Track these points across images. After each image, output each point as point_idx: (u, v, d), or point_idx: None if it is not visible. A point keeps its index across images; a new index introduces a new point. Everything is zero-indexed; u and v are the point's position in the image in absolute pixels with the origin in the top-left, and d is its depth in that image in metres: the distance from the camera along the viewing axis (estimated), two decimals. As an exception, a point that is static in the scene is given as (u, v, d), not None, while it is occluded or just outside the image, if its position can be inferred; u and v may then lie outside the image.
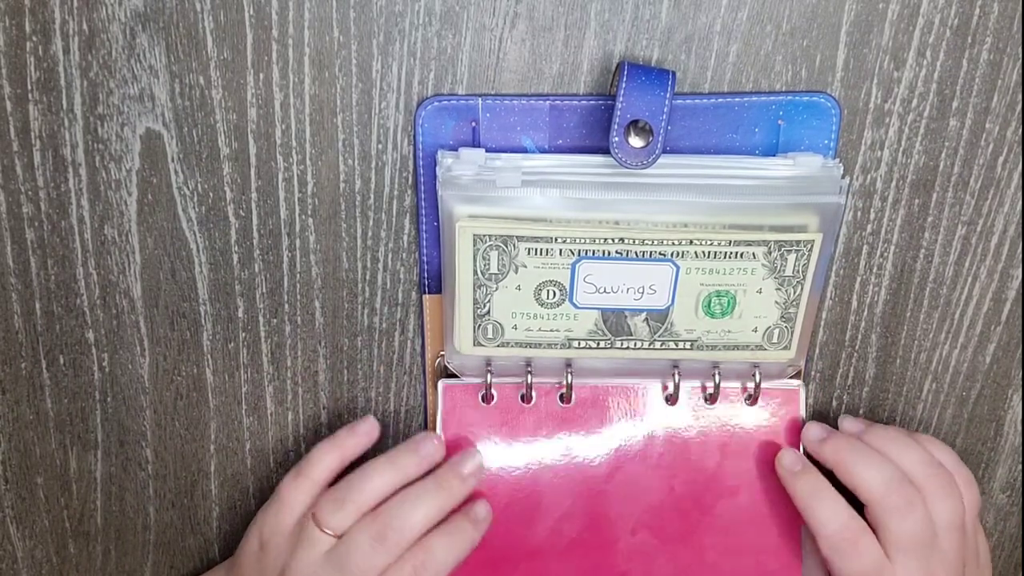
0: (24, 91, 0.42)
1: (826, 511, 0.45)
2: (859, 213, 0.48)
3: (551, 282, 0.44)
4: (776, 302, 0.45)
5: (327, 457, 0.46)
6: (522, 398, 0.48)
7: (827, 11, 0.44)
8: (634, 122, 0.42)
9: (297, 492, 0.45)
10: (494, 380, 0.47)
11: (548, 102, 0.44)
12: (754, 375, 0.48)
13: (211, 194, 0.45)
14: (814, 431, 0.48)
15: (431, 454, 0.46)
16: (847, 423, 0.48)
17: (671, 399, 0.49)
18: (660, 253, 0.43)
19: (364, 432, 0.47)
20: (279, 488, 0.46)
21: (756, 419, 0.49)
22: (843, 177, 0.44)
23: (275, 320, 0.48)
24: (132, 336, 0.48)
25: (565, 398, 0.48)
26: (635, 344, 0.46)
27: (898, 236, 0.48)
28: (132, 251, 0.46)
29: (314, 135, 0.44)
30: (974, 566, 0.47)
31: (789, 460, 0.47)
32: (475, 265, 0.44)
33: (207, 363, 0.49)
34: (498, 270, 0.44)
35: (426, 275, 0.47)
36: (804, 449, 0.48)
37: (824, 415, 0.52)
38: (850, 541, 0.44)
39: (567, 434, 0.49)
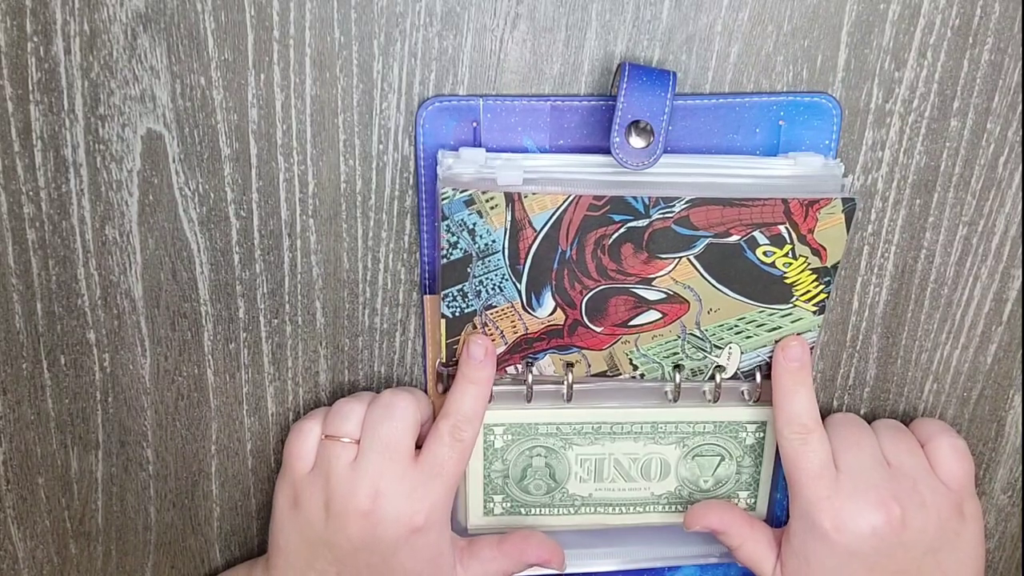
0: (25, 91, 0.42)
1: (798, 404, 0.46)
2: (860, 213, 0.48)
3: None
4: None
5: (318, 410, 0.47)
6: None
7: (828, 11, 0.44)
8: (635, 122, 0.42)
9: (306, 434, 0.46)
10: None
11: (549, 102, 0.44)
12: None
13: (212, 195, 0.45)
14: (796, 352, 0.46)
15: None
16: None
17: None
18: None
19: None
20: (285, 448, 0.46)
21: None
22: (844, 176, 0.44)
23: (276, 320, 0.48)
24: (133, 336, 0.48)
25: None
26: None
27: (899, 236, 0.48)
28: (133, 251, 0.46)
29: (315, 136, 0.44)
30: (955, 521, 0.46)
31: (795, 354, 0.46)
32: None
33: (208, 363, 0.49)
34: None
35: (427, 276, 0.47)
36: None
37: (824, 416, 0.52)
38: (803, 436, 0.46)
39: None
